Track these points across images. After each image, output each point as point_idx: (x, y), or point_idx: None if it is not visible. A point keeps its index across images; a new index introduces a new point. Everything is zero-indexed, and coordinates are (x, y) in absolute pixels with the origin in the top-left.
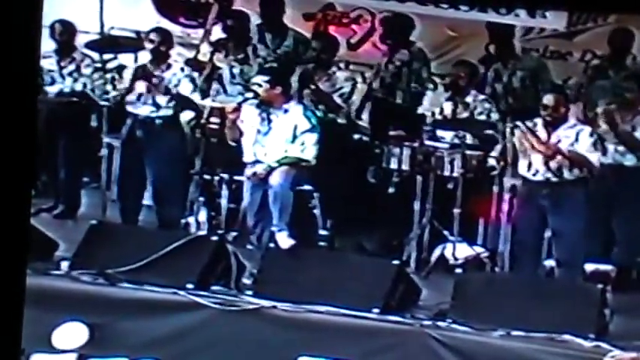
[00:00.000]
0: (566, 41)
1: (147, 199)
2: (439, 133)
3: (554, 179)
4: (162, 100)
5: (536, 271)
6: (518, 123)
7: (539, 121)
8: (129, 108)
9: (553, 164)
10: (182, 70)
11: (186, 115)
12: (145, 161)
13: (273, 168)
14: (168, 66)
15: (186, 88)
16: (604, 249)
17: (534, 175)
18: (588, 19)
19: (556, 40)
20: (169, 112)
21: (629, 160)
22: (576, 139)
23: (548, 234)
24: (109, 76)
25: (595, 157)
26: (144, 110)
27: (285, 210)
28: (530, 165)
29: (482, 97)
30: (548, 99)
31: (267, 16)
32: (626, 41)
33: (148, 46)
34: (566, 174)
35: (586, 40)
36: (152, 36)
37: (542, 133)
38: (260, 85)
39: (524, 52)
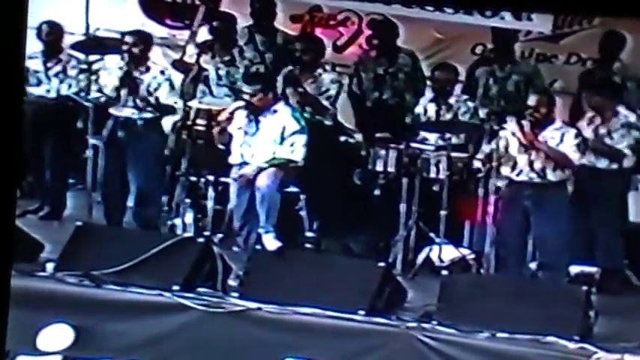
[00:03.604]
0: (553, 44)
1: (130, 201)
2: (424, 135)
3: (537, 180)
4: (141, 103)
5: (520, 272)
6: (508, 119)
7: (525, 122)
8: (111, 110)
9: (537, 165)
10: (162, 72)
11: (168, 119)
12: (126, 162)
13: (260, 169)
14: (147, 69)
15: (166, 93)
16: (587, 250)
17: (518, 175)
18: (574, 21)
19: (543, 42)
20: (150, 115)
21: (602, 163)
22: (561, 140)
23: (531, 235)
24: (93, 77)
25: (575, 157)
26: (125, 112)
27: (273, 212)
28: (514, 165)
29: (465, 97)
30: (532, 99)
31: (257, 18)
32: (616, 45)
33: (126, 48)
34: (550, 175)
35: (572, 43)
36: (130, 39)
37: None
38: (254, 95)
39: (522, 57)
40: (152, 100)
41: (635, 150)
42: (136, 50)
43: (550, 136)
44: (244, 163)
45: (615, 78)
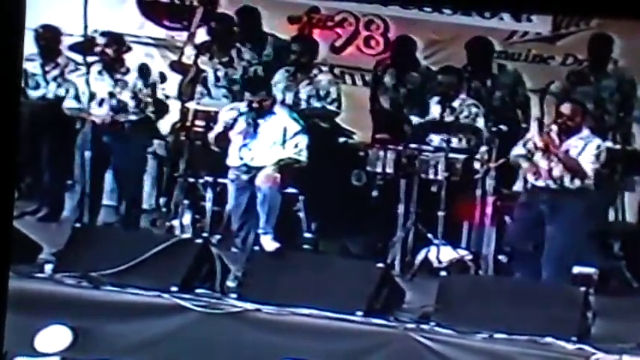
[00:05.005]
0: (549, 45)
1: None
2: (429, 136)
3: (553, 186)
4: (128, 103)
5: (526, 273)
6: (532, 123)
7: (554, 127)
8: (94, 111)
9: (555, 172)
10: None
11: (168, 119)
12: (111, 164)
13: (260, 170)
14: (128, 70)
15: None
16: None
17: (537, 179)
18: (571, 23)
19: (539, 44)
20: (135, 116)
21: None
22: (583, 149)
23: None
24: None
25: (589, 167)
26: (111, 114)
27: (273, 213)
28: (537, 169)
29: (470, 101)
30: (565, 107)
31: (245, 25)
32: (605, 47)
33: (99, 50)
34: (567, 183)
35: (568, 45)
36: (103, 40)
37: (555, 139)
38: (263, 101)
39: (500, 69)
40: (136, 101)
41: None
42: (109, 51)
43: (573, 144)
44: (245, 166)
45: (610, 80)
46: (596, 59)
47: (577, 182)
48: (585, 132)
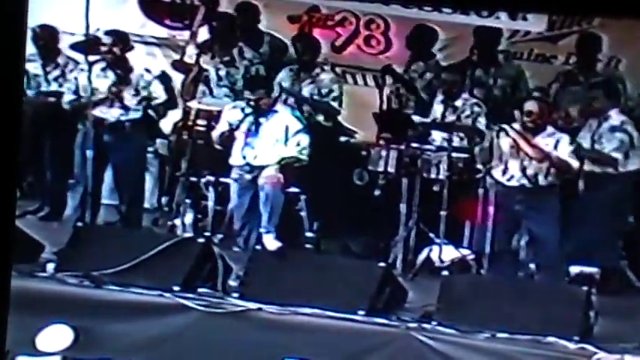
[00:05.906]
0: (551, 45)
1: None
2: (431, 134)
3: (528, 185)
4: (130, 102)
5: (507, 273)
6: (506, 126)
7: (517, 126)
8: (96, 112)
9: (530, 171)
10: (148, 71)
11: (172, 117)
12: (111, 163)
13: (263, 169)
14: (131, 69)
15: (157, 89)
16: (585, 251)
17: (509, 180)
18: (573, 22)
19: (541, 43)
20: (138, 114)
21: (597, 169)
22: (555, 147)
23: (525, 238)
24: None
25: (575, 163)
26: (114, 113)
27: (276, 212)
28: (505, 170)
29: (473, 100)
30: (532, 105)
31: (243, 24)
32: (593, 47)
33: (106, 49)
34: (541, 180)
35: (570, 44)
36: (109, 39)
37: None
38: (258, 100)
39: (506, 59)
40: (141, 98)
41: (623, 153)
42: (116, 50)
43: (544, 142)
44: (247, 165)
45: (598, 78)
46: (585, 59)
47: (550, 179)
48: (550, 129)
